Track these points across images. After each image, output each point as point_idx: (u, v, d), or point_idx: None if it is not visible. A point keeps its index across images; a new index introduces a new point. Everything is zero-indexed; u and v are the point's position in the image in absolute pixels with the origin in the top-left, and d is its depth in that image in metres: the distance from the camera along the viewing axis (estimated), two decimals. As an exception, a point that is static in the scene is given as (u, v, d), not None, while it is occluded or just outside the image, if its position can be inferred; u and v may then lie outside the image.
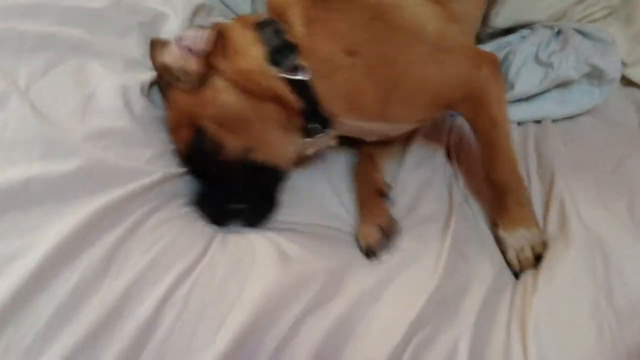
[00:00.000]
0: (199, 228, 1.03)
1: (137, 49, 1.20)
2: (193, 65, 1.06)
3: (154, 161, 1.04)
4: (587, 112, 1.52)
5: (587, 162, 1.31)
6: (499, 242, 1.16)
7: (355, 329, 0.94)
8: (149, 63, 1.17)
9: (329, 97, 1.09)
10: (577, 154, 1.34)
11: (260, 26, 1.11)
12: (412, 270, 1.05)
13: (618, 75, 1.52)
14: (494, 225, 1.19)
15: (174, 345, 0.82)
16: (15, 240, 0.79)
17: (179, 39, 1.09)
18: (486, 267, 1.10)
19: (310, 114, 1.10)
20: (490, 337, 0.97)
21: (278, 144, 1.12)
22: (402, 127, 1.24)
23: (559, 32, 1.57)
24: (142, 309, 0.83)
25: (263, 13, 1.22)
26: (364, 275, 1.03)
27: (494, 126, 1.15)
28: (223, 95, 1.07)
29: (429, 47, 1.12)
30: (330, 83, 1.08)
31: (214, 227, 1.06)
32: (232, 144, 1.07)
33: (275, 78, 1.07)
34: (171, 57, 1.09)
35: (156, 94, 1.18)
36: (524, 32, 1.62)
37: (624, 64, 1.56)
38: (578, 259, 1.05)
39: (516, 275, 1.11)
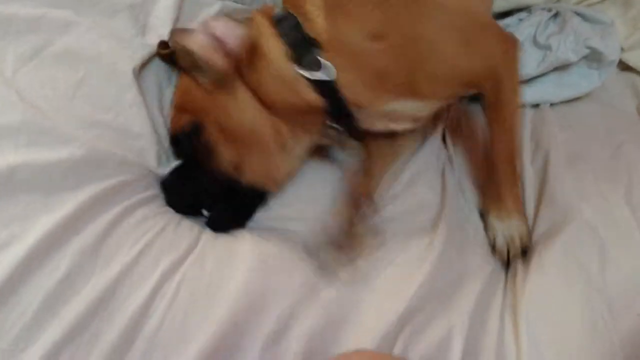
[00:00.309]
0: (189, 221, 1.01)
1: (128, 30, 1.17)
2: (220, 62, 0.99)
3: (144, 151, 1.02)
4: (584, 97, 1.50)
5: (584, 149, 1.30)
6: (489, 229, 1.15)
7: (347, 317, 0.94)
8: (140, 44, 1.13)
9: (354, 89, 1.03)
10: (574, 141, 1.32)
11: (279, 22, 1.04)
12: (403, 260, 1.04)
13: (617, 57, 1.50)
14: (484, 212, 1.18)
15: (163, 338, 0.82)
16: (1, 230, 0.78)
17: (206, 26, 1.01)
18: (479, 258, 1.10)
19: (334, 112, 1.05)
20: (484, 327, 0.98)
21: (275, 167, 1.07)
22: (428, 105, 1.16)
23: (556, 15, 1.54)
24: (132, 301, 0.82)
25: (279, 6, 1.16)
26: (355, 264, 1.02)
27: (511, 108, 1.13)
28: (240, 108, 1.02)
29: (457, 21, 1.08)
30: (356, 74, 1.03)
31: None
32: (227, 156, 1.02)
33: (296, 79, 1.01)
34: (197, 44, 1.00)
35: (148, 76, 1.14)
36: (522, 14, 1.59)
37: (621, 48, 1.54)
38: (569, 250, 1.05)
39: (505, 264, 1.10)
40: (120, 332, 0.79)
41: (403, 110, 1.11)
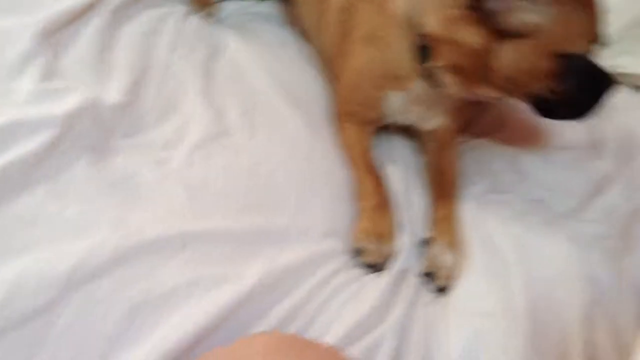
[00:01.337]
0: (117, 179, 0.93)
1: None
2: None
3: (72, 114, 0.94)
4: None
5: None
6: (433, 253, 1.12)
7: None
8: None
9: None
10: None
11: None
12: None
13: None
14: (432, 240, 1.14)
15: (78, 333, 0.74)
16: None
17: None
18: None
19: None
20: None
21: None
22: None
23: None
24: (42, 291, 0.74)
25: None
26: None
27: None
28: None
29: None
30: None
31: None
32: None
33: None
34: None
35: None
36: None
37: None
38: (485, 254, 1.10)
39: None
40: (28, 331, 0.72)
41: None
